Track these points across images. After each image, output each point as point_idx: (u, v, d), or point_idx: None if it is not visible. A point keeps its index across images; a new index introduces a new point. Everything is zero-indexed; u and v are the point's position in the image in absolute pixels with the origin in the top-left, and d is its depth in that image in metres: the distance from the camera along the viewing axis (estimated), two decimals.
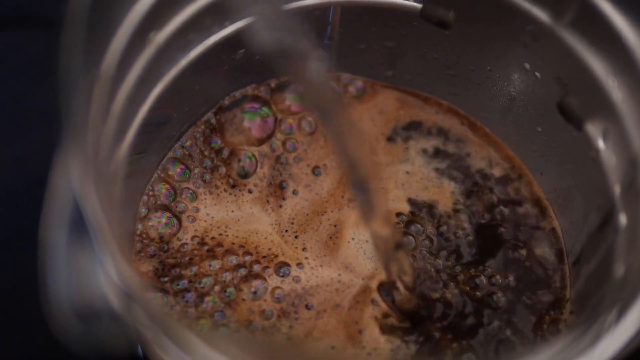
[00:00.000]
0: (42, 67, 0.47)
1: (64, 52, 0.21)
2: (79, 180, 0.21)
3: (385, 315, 0.31)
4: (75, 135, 0.21)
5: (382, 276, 0.32)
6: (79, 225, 0.22)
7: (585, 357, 0.22)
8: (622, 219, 0.28)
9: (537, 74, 0.32)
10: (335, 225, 0.33)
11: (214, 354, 0.21)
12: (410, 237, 0.33)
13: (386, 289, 0.31)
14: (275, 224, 0.33)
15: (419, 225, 0.33)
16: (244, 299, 0.31)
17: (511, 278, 0.32)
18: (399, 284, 0.30)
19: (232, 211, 0.33)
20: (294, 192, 0.34)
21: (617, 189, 0.29)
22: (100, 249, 0.21)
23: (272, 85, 0.35)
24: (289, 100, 0.35)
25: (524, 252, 0.33)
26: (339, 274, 0.32)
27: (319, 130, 0.35)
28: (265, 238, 0.32)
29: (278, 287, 0.31)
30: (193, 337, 0.21)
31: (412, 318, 0.31)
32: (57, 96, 0.46)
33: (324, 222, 0.33)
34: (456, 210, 0.34)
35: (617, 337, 0.22)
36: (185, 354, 0.21)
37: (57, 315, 0.20)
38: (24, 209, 0.43)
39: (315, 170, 0.34)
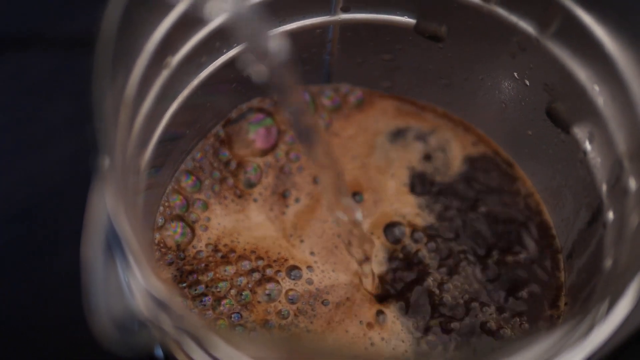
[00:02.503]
0: (52, 86, 0.48)
1: (96, 81, 0.22)
2: (112, 200, 0.23)
3: (400, 307, 0.33)
4: (109, 160, 0.23)
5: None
6: (112, 242, 0.24)
7: (581, 345, 0.24)
8: (610, 215, 0.30)
9: (526, 82, 0.34)
10: (339, 236, 0.35)
11: (235, 351, 0.23)
12: (404, 236, 0.35)
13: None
14: (280, 230, 0.35)
15: (414, 227, 0.35)
16: (259, 301, 0.33)
17: (507, 274, 0.34)
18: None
19: (241, 220, 0.35)
20: (297, 200, 0.35)
21: (604, 188, 0.31)
22: (134, 262, 0.23)
23: (276, 97, 0.37)
24: None
25: (519, 249, 0.35)
26: (352, 277, 0.34)
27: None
28: (274, 243, 0.34)
29: (291, 289, 0.33)
30: (216, 337, 0.23)
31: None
32: (70, 115, 0.47)
33: (327, 230, 0.35)
34: (451, 210, 0.35)
35: (607, 326, 0.24)
36: (210, 352, 0.24)
37: (99, 323, 0.22)
38: (37, 225, 0.45)
39: (317, 179, 0.36)
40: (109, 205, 0.22)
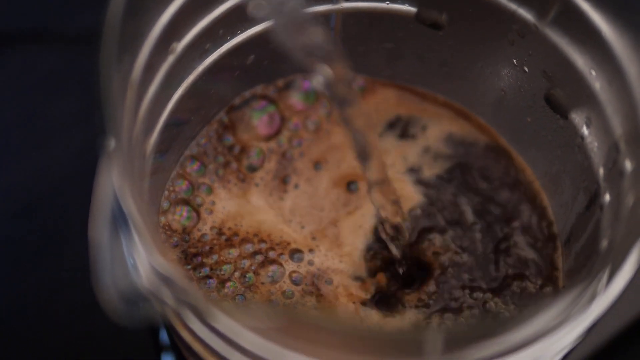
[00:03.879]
0: (58, 82, 0.49)
1: (103, 66, 0.23)
2: (118, 179, 0.24)
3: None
4: (115, 142, 0.23)
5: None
6: (118, 221, 0.24)
7: (584, 313, 0.25)
8: (606, 197, 0.31)
9: (525, 68, 0.34)
10: (335, 225, 0.35)
11: (233, 322, 0.24)
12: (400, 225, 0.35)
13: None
14: (280, 215, 0.35)
15: (410, 215, 0.36)
16: (263, 283, 0.33)
17: (506, 260, 0.35)
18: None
19: (244, 204, 0.35)
20: (296, 186, 0.36)
21: (601, 171, 0.31)
22: (138, 238, 0.24)
23: (280, 84, 0.38)
24: (295, 98, 0.38)
25: (518, 235, 0.35)
26: (357, 263, 0.34)
27: (322, 128, 0.37)
28: (275, 227, 0.35)
29: (295, 272, 0.34)
30: (216, 309, 0.23)
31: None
32: (75, 111, 0.48)
33: (324, 219, 0.35)
34: (450, 198, 0.36)
35: (609, 294, 0.26)
36: (209, 323, 0.24)
37: (106, 297, 0.23)
38: (44, 218, 0.45)
39: (317, 166, 0.37)
40: (115, 183, 0.23)
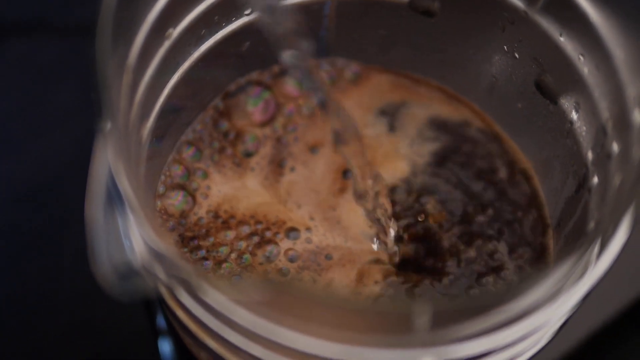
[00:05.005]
0: (58, 71, 0.49)
1: (99, 51, 0.24)
2: (114, 158, 0.24)
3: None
4: (112, 122, 0.24)
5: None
6: (114, 201, 0.25)
7: (577, 285, 0.26)
8: (594, 180, 0.31)
9: (516, 55, 0.35)
10: (334, 209, 0.36)
11: (222, 296, 0.24)
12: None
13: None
14: (276, 197, 0.36)
15: (408, 195, 0.36)
16: (261, 263, 0.34)
17: (498, 242, 0.35)
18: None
19: (241, 188, 0.36)
20: (292, 169, 0.37)
21: (589, 155, 0.32)
22: (132, 213, 0.25)
23: (275, 70, 0.38)
24: (290, 85, 0.38)
25: (510, 219, 0.36)
26: (355, 242, 0.35)
27: (317, 113, 0.38)
28: (271, 208, 0.35)
29: (290, 249, 0.34)
30: (206, 283, 0.24)
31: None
32: (76, 100, 0.48)
33: (322, 202, 0.36)
34: (442, 184, 0.36)
35: (597, 270, 0.26)
36: (200, 297, 0.25)
37: (102, 272, 0.24)
38: (43, 205, 0.46)
39: (313, 150, 0.37)
40: (111, 162, 0.24)
